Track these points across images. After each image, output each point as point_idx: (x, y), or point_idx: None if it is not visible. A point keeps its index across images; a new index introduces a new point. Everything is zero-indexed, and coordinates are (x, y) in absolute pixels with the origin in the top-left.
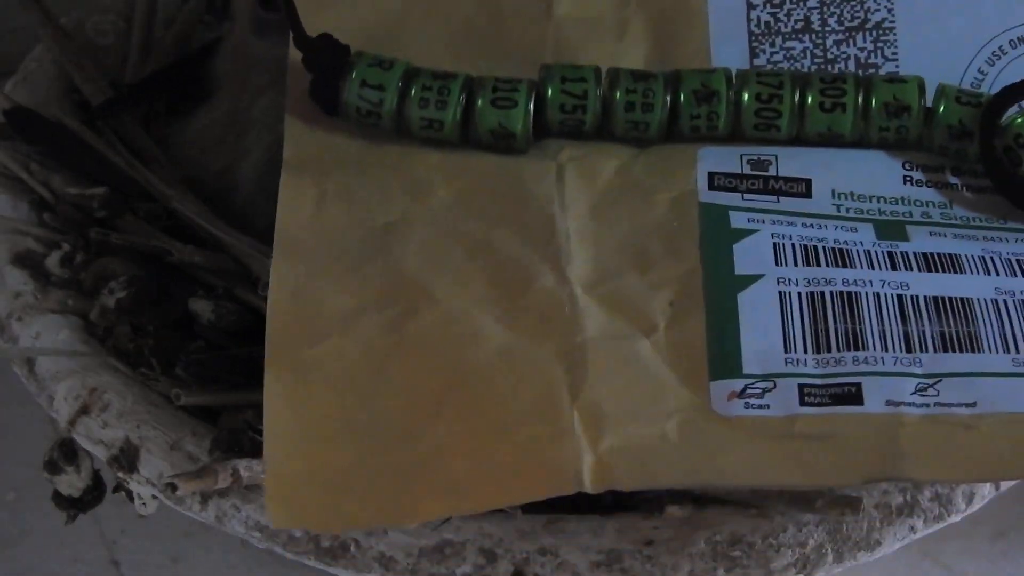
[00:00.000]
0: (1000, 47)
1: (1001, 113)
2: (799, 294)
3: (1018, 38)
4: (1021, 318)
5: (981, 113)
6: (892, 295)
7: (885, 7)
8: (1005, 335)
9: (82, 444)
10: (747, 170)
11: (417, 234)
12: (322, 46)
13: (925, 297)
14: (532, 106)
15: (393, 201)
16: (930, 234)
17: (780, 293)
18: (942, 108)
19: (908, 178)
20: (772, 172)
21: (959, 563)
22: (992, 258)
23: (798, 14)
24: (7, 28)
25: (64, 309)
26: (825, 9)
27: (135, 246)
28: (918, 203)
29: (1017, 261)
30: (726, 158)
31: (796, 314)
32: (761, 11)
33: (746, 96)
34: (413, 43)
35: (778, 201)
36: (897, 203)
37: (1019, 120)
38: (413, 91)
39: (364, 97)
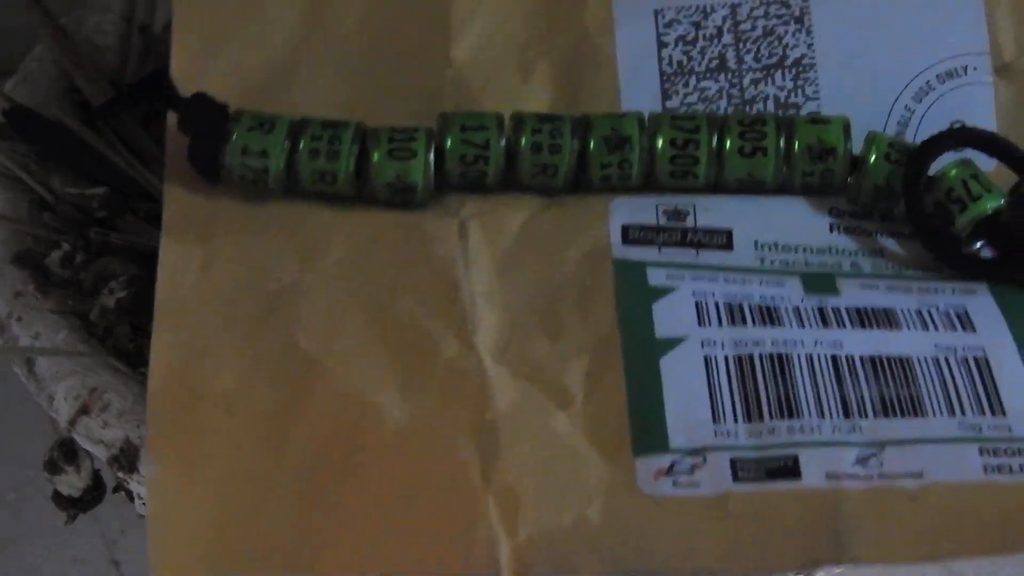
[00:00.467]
0: (928, 82)
1: (924, 171)
2: (726, 358)
3: (945, 72)
4: (964, 377)
5: (903, 176)
6: (826, 356)
7: (804, 43)
8: (949, 396)
9: (82, 444)
10: (663, 222)
11: (310, 300)
12: (198, 106)
13: (861, 357)
14: (432, 157)
15: (284, 265)
16: (862, 287)
17: (706, 357)
18: (872, 159)
19: (835, 226)
20: (690, 223)
21: (959, 563)
22: (929, 312)
23: (712, 52)
24: (7, 28)
25: (64, 309)
26: (741, 46)
27: (135, 246)
28: (847, 252)
29: (956, 315)
30: (640, 209)
31: (724, 380)
32: (673, 49)
33: (660, 142)
34: (305, 91)
35: (697, 255)
36: (825, 253)
37: (953, 172)
38: (302, 144)
39: (248, 165)
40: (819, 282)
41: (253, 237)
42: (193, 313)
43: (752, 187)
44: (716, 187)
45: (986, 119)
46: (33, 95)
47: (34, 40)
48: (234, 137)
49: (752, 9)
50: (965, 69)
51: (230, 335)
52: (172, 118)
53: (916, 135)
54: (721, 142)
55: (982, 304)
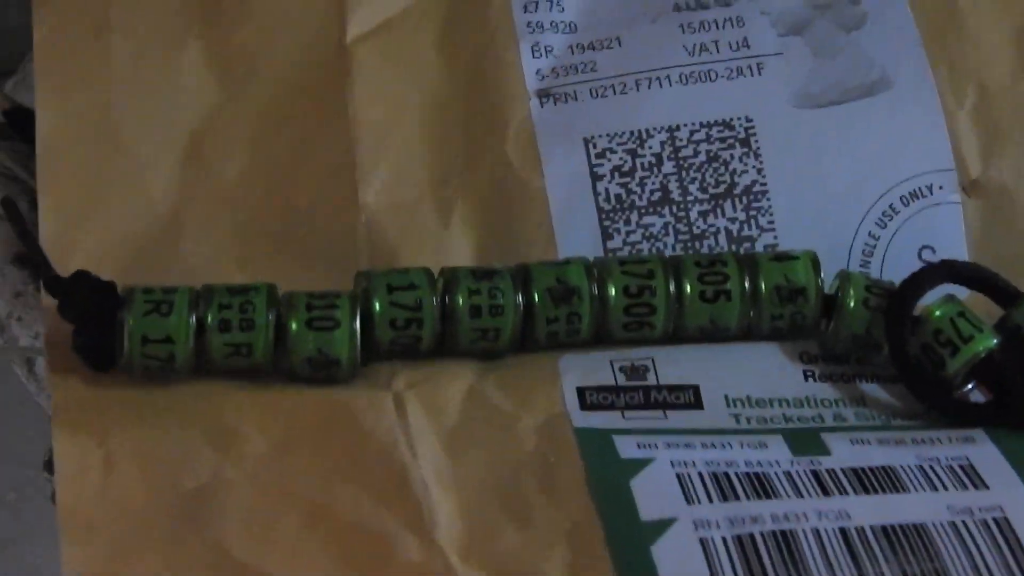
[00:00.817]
0: (891, 205)
1: (908, 315)
2: (724, 540)
3: (909, 194)
4: (989, 545)
5: (887, 323)
6: (834, 529)
7: (753, 168)
8: (978, 570)
9: None
10: (622, 380)
11: (236, 499)
12: (80, 288)
13: (872, 527)
14: (358, 325)
15: (199, 458)
16: (852, 442)
17: (702, 541)
18: (850, 306)
19: (809, 373)
20: (652, 380)
21: None
22: (932, 467)
23: (653, 183)
24: (7, 28)
25: None
26: (684, 175)
27: None
28: (826, 403)
29: (960, 467)
30: (594, 367)
31: (727, 568)
32: (609, 182)
33: (612, 291)
34: (195, 248)
35: (666, 417)
36: (803, 406)
37: (938, 312)
38: (210, 318)
39: (149, 354)
40: (805, 440)
41: (158, 429)
42: (102, 522)
43: (714, 335)
44: (675, 336)
45: (956, 240)
46: (33, 95)
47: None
48: (129, 324)
49: (692, 132)
50: (930, 188)
51: (150, 546)
52: (49, 299)
53: (883, 264)
54: (679, 287)
55: (985, 454)
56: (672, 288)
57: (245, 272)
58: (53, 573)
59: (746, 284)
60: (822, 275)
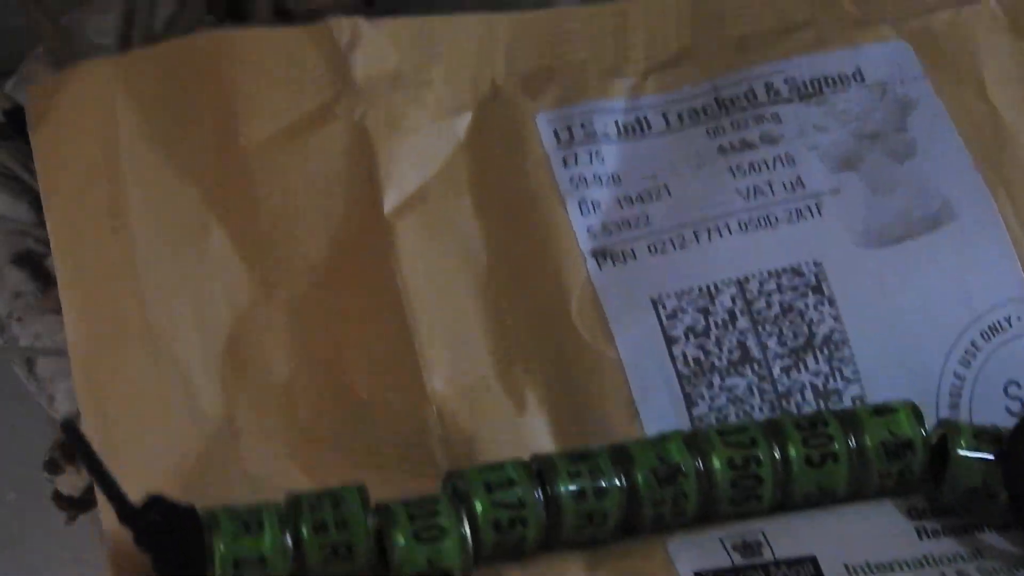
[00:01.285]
0: (972, 342)
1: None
2: None
3: (989, 328)
4: None
5: (1004, 473)
6: None
7: (830, 315)
8: None
9: None
10: (738, 560)
11: None
12: (157, 515)
13: None
14: (467, 530)
15: None
16: None
17: None
18: (961, 459)
19: (922, 531)
20: (768, 556)
21: None
22: None
23: (730, 341)
24: (7, 28)
25: None
26: (760, 329)
27: None
28: (947, 560)
29: None
30: (706, 548)
31: None
32: (686, 345)
33: (717, 465)
34: (254, 455)
35: None
36: (922, 566)
37: None
38: (304, 530)
39: None
40: None
41: None
42: None
43: (821, 499)
44: (781, 505)
45: None
46: None
47: (34, 40)
48: (220, 550)
49: (762, 283)
50: (1008, 320)
51: None
52: (114, 523)
53: (971, 404)
54: (784, 454)
55: None
56: (777, 455)
57: (314, 477)
58: (53, 573)
59: (851, 443)
60: (925, 425)
